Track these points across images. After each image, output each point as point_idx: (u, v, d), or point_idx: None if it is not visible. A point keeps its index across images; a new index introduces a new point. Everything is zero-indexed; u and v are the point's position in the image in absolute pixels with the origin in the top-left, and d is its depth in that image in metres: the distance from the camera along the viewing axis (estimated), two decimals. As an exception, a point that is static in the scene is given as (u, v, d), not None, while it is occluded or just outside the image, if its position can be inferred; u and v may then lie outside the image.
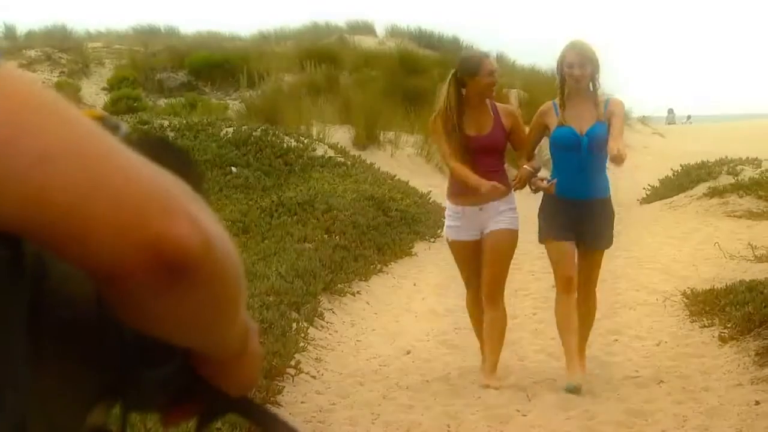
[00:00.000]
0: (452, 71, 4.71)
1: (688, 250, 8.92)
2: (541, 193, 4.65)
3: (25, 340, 0.55)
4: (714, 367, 5.13)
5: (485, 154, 4.56)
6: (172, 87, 18.08)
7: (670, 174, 14.65)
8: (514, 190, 4.68)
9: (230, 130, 12.39)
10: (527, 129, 4.91)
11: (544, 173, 4.72)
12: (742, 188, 11.78)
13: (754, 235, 8.86)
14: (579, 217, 4.55)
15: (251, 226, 8.47)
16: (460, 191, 4.63)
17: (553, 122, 4.54)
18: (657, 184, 14.40)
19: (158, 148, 0.66)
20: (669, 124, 41.33)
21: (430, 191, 11.46)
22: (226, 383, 0.75)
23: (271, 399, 4.36)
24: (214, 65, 18.64)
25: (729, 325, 5.68)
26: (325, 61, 18.03)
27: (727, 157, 14.86)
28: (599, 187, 4.60)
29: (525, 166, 4.51)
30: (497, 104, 4.74)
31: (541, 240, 4.75)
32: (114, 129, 0.66)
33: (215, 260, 0.57)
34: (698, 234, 9.78)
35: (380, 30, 24.36)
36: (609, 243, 4.77)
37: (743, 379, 4.84)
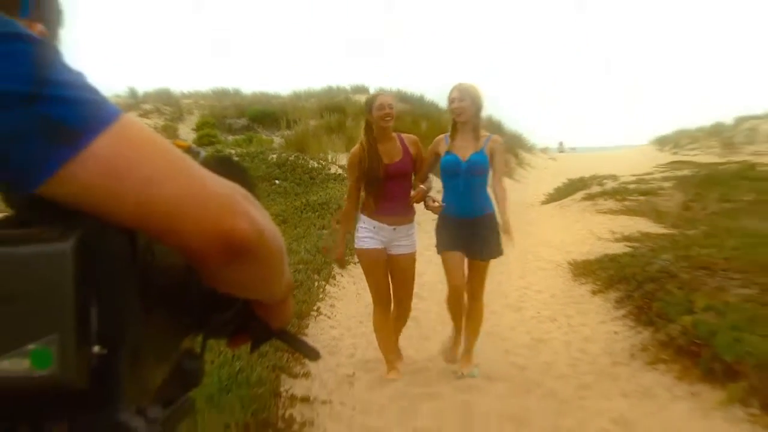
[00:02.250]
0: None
1: (571, 234, 8.96)
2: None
3: (138, 296, 0.55)
4: (588, 310, 5.15)
5: (397, 179, 3.61)
6: (236, 128, 18.00)
7: (560, 185, 14.82)
8: (411, 204, 3.69)
9: (274, 156, 12.38)
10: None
11: (436, 195, 3.70)
12: (606, 194, 11.84)
13: (613, 225, 8.89)
14: (466, 233, 3.60)
15: (288, 219, 8.45)
16: (378, 210, 3.65)
17: (443, 151, 3.64)
18: (552, 191, 14.51)
19: (228, 166, 0.66)
20: (560, 152, 41.22)
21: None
22: (272, 320, 0.75)
23: (300, 332, 4.37)
24: (265, 114, 18.58)
25: (598, 283, 5.72)
26: (336, 111, 17.92)
27: (596, 174, 15.02)
28: (480, 206, 3.61)
29: (421, 186, 3.57)
30: (403, 135, 3.73)
31: (439, 252, 3.75)
32: (196, 154, 0.67)
33: (266, 244, 0.57)
34: (578, 224, 9.80)
35: (372, 91, 24.39)
36: (496, 253, 3.66)
37: (606, 318, 4.86)
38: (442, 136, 3.71)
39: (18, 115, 0.48)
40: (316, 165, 12.15)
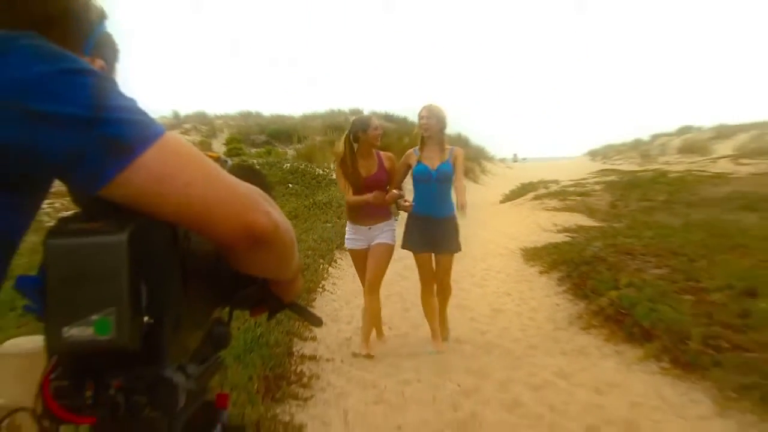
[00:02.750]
0: (346, 132, 3.45)
1: (523, 227, 8.98)
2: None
3: (179, 277, 0.56)
4: (536, 287, 5.16)
5: (373, 189, 3.40)
6: (258, 143, 17.86)
7: (515, 188, 14.82)
8: (387, 209, 3.51)
9: (288, 165, 12.30)
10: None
11: (407, 197, 3.47)
12: (550, 195, 11.88)
13: (556, 219, 8.93)
14: (432, 231, 3.44)
15: (299, 215, 8.40)
16: (357, 216, 3.49)
17: (414, 162, 3.45)
18: (508, 193, 14.52)
19: (250, 172, 0.66)
20: (514, 162, 40.90)
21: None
22: (285, 295, 0.75)
23: (308, 304, 4.35)
24: (280, 132, 18.46)
25: (544, 265, 5.72)
26: (337, 129, 17.82)
27: (543, 179, 15.09)
28: (445, 209, 3.44)
29: (393, 191, 3.39)
30: (380, 152, 3.50)
31: (403, 247, 3.53)
32: (224, 163, 0.67)
33: (280, 235, 0.57)
34: (528, 219, 9.82)
35: (366, 112, 24.18)
36: (456, 249, 3.51)
37: (550, 293, 4.87)
38: (411, 150, 3.52)
39: (82, 133, 0.49)
40: (321, 172, 12.10)
